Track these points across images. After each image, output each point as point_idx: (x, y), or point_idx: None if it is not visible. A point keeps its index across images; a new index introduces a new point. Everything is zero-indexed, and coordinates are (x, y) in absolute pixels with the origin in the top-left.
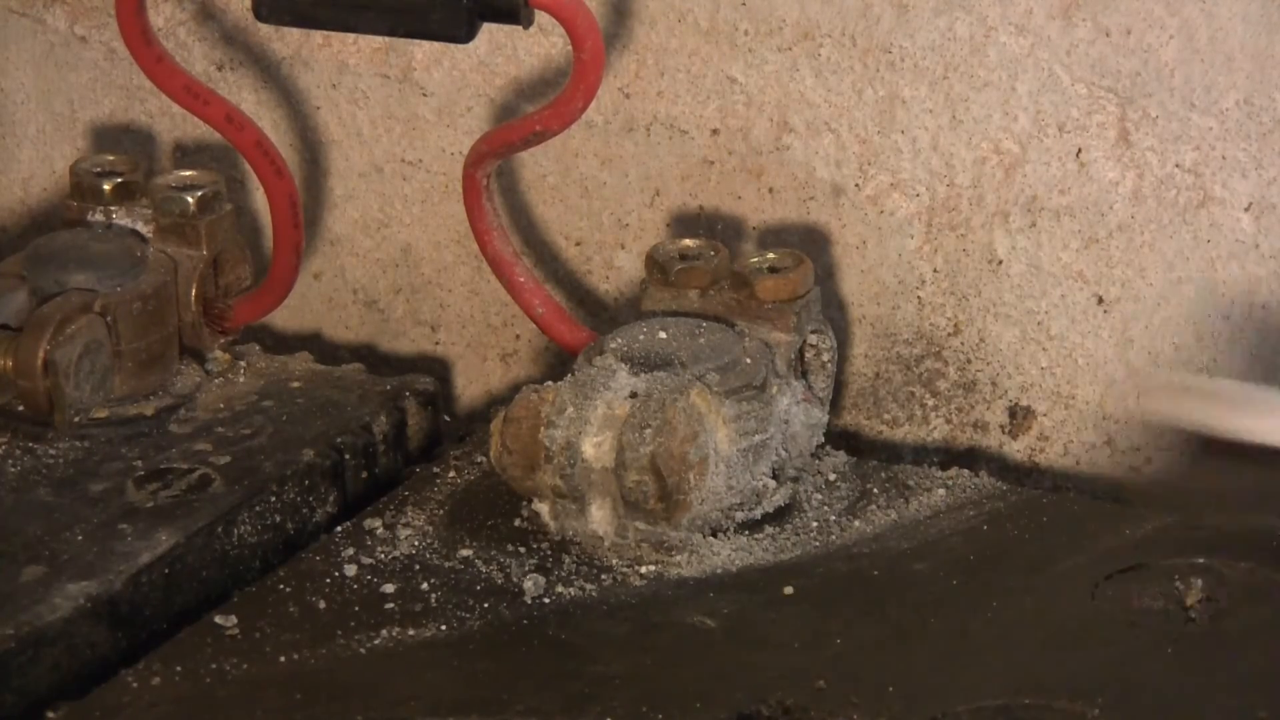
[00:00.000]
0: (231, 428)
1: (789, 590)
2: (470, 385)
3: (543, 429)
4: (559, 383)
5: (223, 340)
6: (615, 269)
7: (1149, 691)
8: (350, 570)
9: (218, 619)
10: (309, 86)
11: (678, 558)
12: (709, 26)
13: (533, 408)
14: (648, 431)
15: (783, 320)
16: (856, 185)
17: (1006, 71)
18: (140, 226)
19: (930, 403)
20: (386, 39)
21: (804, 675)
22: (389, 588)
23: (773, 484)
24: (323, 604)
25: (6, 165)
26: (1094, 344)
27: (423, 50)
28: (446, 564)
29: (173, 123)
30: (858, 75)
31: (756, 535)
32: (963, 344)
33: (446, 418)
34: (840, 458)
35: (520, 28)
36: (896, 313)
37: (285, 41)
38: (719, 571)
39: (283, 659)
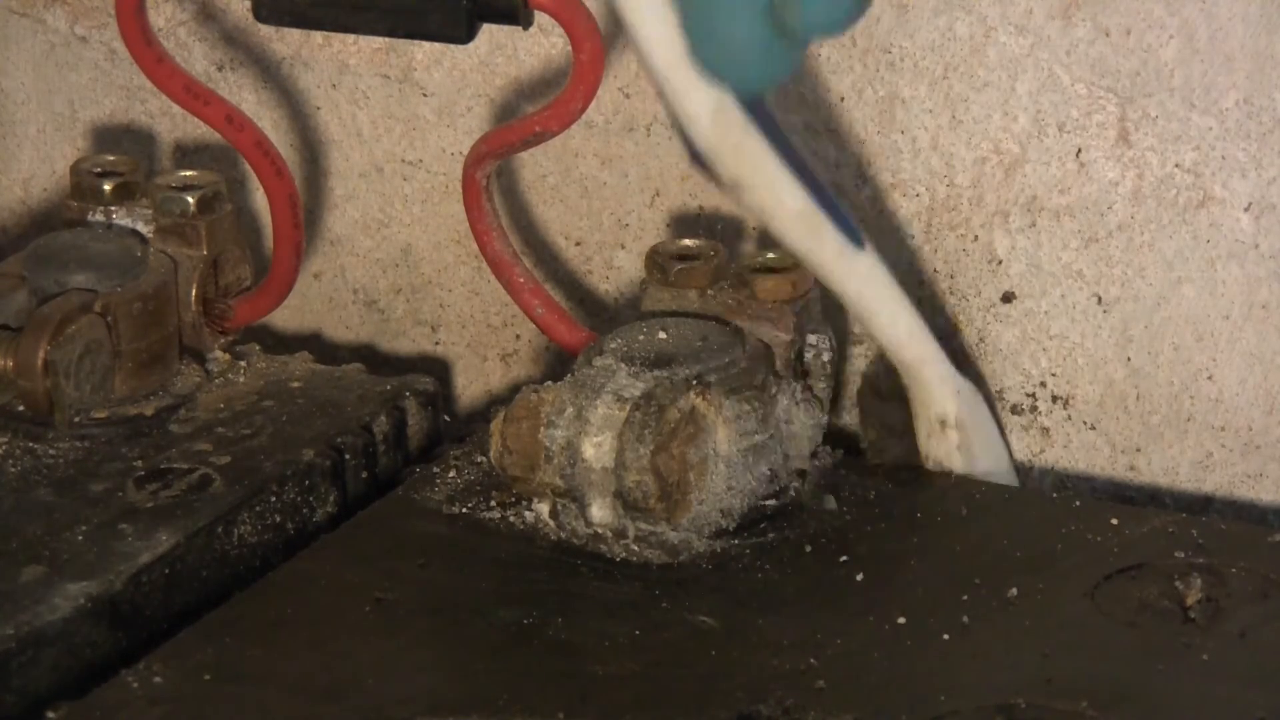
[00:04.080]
0: (231, 428)
1: (789, 590)
2: (470, 385)
3: (543, 429)
4: (559, 383)
5: (223, 340)
6: (615, 269)
7: (1149, 691)
8: (350, 569)
9: (217, 618)
10: (309, 87)
11: (678, 558)
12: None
13: (533, 408)
14: (648, 431)
15: (783, 320)
16: (856, 185)
17: (1006, 71)
18: (140, 226)
19: None
20: (387, 39)
21: (804, 675)
22: (389, 587)
23: (773, 484)
24: (322, 603)
25: (6, 165)
26: (1094, 344)
27: (423, 50)
28: (446, 565)
29: (173, 123)
30: (858, 75)
31: (756, 535)
32: (963, 344)
33: (446, 418)
34: (840, 458)
35: (520, 28)
36: None
37: (285, 42)
38: (719, 571)
39: (283, 659)
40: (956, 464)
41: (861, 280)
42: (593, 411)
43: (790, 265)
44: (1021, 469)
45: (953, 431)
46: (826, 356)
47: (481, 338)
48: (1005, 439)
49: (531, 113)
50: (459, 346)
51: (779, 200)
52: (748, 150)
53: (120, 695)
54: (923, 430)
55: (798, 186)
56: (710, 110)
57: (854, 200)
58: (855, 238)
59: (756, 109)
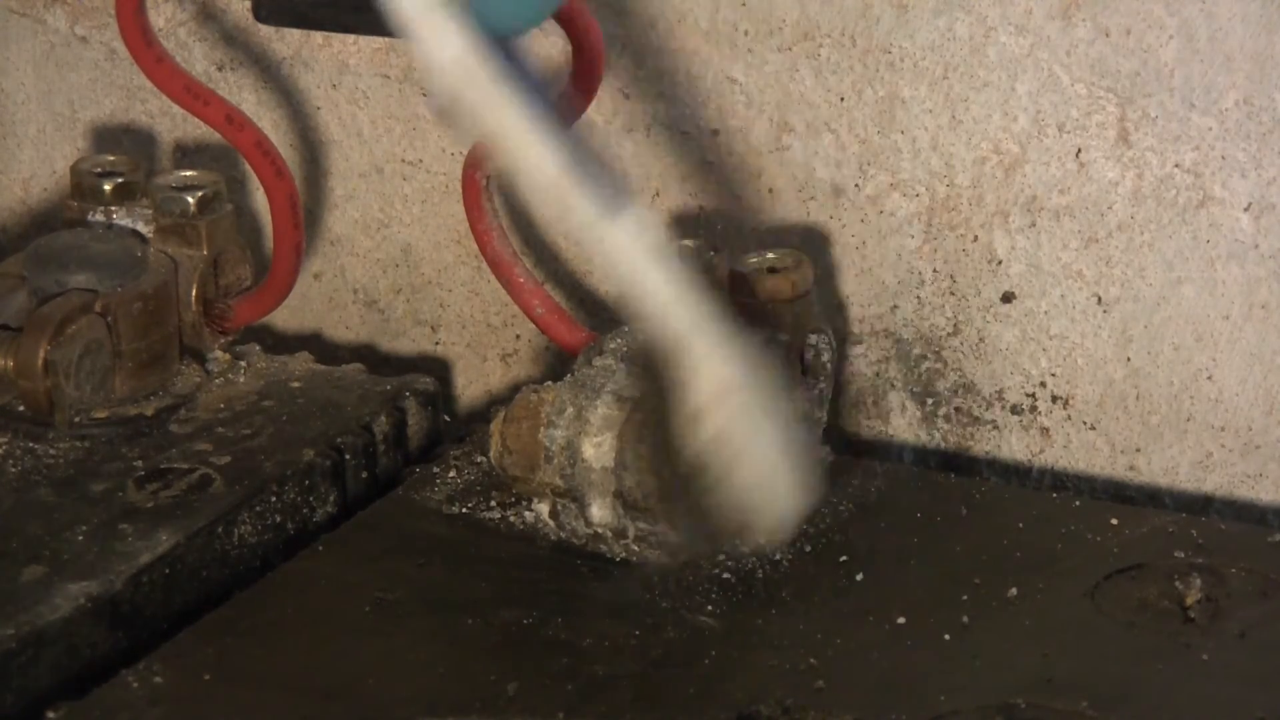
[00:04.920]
0: (232, 428)
1: (789, 590)
2: (470, 385)
3: (543, 429)
4: (559, 383)
5: (223, 340)
6: None
7: (1148, 691)
8: (350, 569)
9: (217, 618)
10: (309, 87)
11: (678, 557)
12: (709, 27)
13: (533, 408)
14: (647, 431)
15: (783, 320)
16: (856, 185)
17: (1006, 71)
18: (140, 226)
19: (930, 403)
20: (387, 39)
21: (804, 675)
22: (389, 587)
23: None
24: (322, 603)
25: (7, 165)
26: (1094, 344)
27: None
28: (446, 565)
29: (173, 123)
30: (858, 75)
31: None
32: (962, 344)
33: (446, 418)
34: (839, 457)
35: None
36: (896, 313)
37: (285, 42)
38: (719, 571)
39: (283, 659)
40: (714, 460)
41: (613, 252)
42: (593, 411)
43: (790, 265)
44: (1021, 469)
45: (711, 421)
46: (826, 356)
47: (481, 338)
48: (796, 430)
49: None
50: (459, 346)
51: (524, 163)
52: (490, 107)
53: (120, 695)
54: (684, 420)
55: (544, 149)
56: (452, 60)
57: (854, 200)
58: (612, 205)
59: (507, 61)
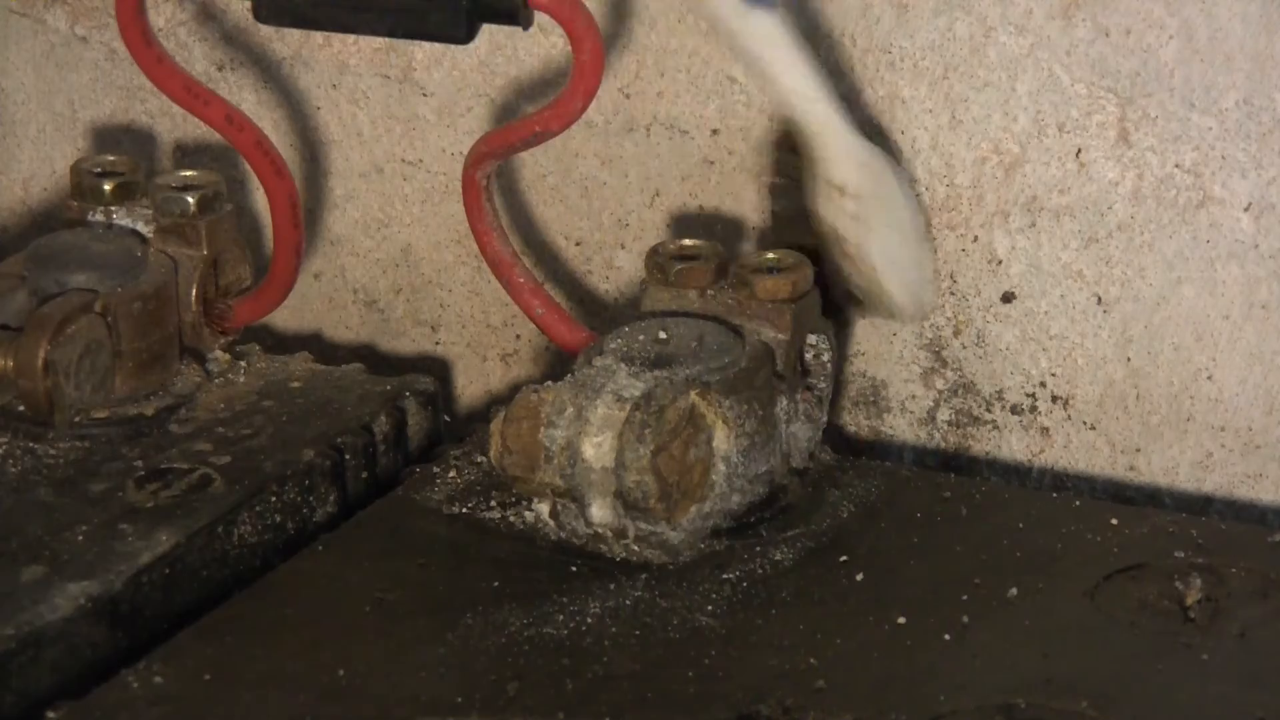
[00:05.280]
0: (231, 428)
1: (789, 590)
2: (470, 385)
3: (543, 429)
4: (559, 383)
5: (223, 340)
6: (615, 269)
7: (1149, 691)
8: (350, 569)
9: (217, 618)
10: (309, 87)
11: (678, 558)
12: (709, 27)
13: (533, 408)
14: (648, 431)
15: (782, 320)
16: None
17: (1006, 71)
18: (140, 226)
19: (930, 403)
20: (387, 39)
21: (804, 675)
22: (389, 587)
23: (772, 484)
24: (322, 603)
25: (7, 165)
26: (1094, 344)
27: (423, 50)
28: (446, 565)
29: (173, 123)
30: (858, 75)
31: (756, 535)
32: (963, 344)
33: (446, 418)
34: (839, 458)
35: (520, 28)
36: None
37: (285, 42)
38: (719, 571)
39: (283, 659)
40: (849, 232)
41: (758, 42)
42: (593, 411)
43: (790, 265)
44: (1021, 469)
45: (849, 200)
46: (826, 356)
47: (481, 338)
48: (925, 226)
49: (532, 113)
50: (459, 346)
51: None
52: None
53: (120, 695)
54: (818, 192)
55: None
56: None
57: None
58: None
59: None
